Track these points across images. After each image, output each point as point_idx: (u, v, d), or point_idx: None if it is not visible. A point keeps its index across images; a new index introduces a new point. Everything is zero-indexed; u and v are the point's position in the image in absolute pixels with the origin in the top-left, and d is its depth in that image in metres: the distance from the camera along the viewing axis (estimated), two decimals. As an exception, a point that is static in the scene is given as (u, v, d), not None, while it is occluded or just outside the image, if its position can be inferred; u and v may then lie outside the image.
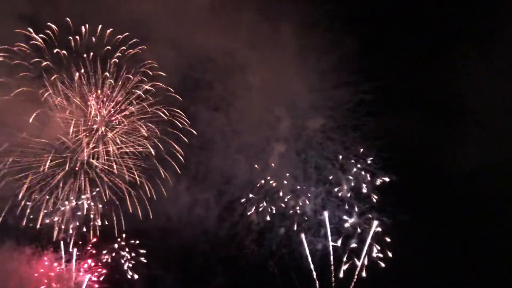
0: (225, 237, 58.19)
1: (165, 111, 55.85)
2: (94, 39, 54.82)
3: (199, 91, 58.99)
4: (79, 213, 55.47)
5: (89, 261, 56.74)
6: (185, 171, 57.24)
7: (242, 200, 57.77)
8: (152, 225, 55.38)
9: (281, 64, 58.54)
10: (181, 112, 56.45)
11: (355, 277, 55.07)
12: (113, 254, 57.25)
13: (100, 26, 54.76)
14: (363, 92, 57.26)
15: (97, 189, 55.19)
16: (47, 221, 54.36)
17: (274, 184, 57.06)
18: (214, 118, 59.47)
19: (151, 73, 55.86)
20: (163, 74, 55.96)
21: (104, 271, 57.03)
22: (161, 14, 57.40)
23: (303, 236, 55.96)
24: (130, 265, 57.18)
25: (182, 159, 55.66)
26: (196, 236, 57.98)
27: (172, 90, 56.00)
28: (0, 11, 53.71)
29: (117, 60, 55.44)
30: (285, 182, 56.99)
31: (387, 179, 55.61)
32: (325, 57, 57.41)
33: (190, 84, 58.58)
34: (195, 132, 56.54)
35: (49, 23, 53.93)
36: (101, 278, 56.91)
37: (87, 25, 54.61)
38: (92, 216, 55.72)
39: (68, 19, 54.38)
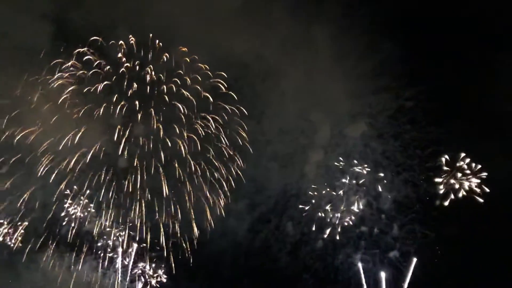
0: (258, 248, 56.03)
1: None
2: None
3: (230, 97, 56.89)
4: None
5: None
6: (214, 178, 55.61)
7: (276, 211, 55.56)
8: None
9: (317, 69, 56.29)
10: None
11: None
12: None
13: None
14: (404, 98, 54.63)
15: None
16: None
17: (310, 194, 54.58)
18: (247, 126, 57.38)
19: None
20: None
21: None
22: (191, 21, 55.88)
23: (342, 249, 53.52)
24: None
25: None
26: (228, 247, 56.03)
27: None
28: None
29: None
30: (323, 192, 54.44)
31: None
32: (363, 61, 55.03)
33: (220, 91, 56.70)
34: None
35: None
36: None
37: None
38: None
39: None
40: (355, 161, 54.15)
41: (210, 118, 55.33)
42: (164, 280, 56.69)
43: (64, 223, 53.94)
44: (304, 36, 56.85)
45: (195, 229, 54.86)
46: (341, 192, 54.19)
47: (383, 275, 52.56)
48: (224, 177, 55.00)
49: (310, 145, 55.66)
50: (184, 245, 55.00)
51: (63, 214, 54.13)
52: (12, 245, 54.50)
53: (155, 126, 53.80)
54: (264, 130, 57.10)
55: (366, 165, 54.03)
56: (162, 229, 54.52)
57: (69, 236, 53.63)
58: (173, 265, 55.48)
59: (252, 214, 56.35)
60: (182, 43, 55.11)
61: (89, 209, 54.74)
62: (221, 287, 57.50)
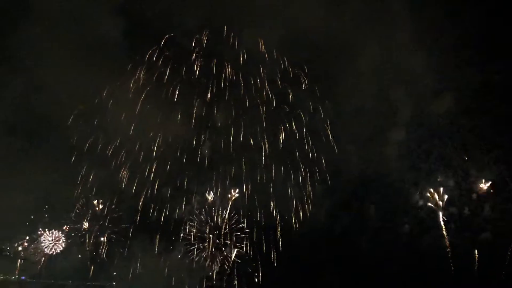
0: (339, 234, 53.91)
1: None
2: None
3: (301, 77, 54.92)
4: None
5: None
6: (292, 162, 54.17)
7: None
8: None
9: (396, 44, 53.30)
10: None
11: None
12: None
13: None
14: (490, 72, 50.67)
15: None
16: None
17: (392, 177, 51.81)
18: (320, 105, 55.19)
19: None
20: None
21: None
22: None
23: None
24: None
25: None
26: (307, 233, 54.33)
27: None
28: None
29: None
30: (407, 174, 51.60)
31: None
32: (445, 34, 51.64)
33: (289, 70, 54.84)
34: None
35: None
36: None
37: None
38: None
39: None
40: (440, 140, 50.89)
41: (286, 107, 54.12)
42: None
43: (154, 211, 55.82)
44: (380, 10, 54.08)
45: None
46: (425, 173, 51.29)
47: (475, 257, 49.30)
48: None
49: (391, 125, 52.68)
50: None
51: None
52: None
53: (233, 114, 53.58)
54: (340, 111, 54.64)
55: (452, 144, 50.70)
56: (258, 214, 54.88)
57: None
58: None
59: (332, 199, 54.18)
60: (253, 28, 54.31)
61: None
62: (304, 271, 55.76)
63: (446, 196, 50.30)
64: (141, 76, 54.13)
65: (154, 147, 54.64)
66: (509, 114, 49.42)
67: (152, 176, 55.23)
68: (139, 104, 53.49)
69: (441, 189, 50.24)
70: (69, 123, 54.19)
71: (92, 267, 62.30)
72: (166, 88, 54.24)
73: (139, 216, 56.44)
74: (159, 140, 54.82)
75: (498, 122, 49.75)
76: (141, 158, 54.81)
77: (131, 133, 53.70)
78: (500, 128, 49.62)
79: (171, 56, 54.99)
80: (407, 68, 52.22)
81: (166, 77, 54.61)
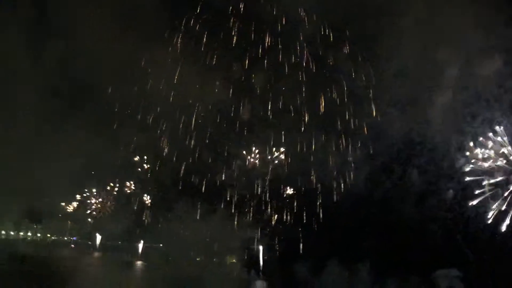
0: (381, 199, 53.26)
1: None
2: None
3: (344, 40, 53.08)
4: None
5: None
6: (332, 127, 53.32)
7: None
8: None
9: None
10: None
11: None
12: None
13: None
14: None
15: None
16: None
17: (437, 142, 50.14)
18: (362, 69, 53.45)
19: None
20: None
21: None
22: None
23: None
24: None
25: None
26: (348, 199, 54.06)
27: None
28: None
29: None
30: (451, 139, 49.83)
31: None
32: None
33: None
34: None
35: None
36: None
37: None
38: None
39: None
40: (488, 103, 48.57)
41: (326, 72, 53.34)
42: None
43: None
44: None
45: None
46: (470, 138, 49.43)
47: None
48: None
49: (435, 87, 50.34)
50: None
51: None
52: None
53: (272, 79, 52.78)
54: (382, 73, 52.69)
55: (500, 107, 48.34)
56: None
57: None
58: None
59: (373, 164, 53.28)
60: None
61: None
62: (340, 236, 55.83)
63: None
64: (178, 42, 53.75)
65: (194, 114, 55.04)
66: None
67: (192, 142, 55.97)
68: (178, 71, 53.47)
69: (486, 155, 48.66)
70: (109, 91, 54.97)
71: (138, 229, 64.59)
72: (204, 54, 53.83)
73: (181, 181, 57.80)
74: (198, 106, 55.15)
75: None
76: (181, 124, 55.46)
77: (171, 99, 54.02)
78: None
79: (208, 21, 54.15)
80: (452, 26, 49.21)
81: (204, 43, 54.12)
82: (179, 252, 59.31)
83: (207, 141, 55.61)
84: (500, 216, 48.83)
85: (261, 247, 58.06)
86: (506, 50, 47.76)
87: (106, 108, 56.61)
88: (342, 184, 55.21)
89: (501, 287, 48.05)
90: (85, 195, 72.26)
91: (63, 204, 72.30)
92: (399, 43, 51.32)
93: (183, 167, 56.74)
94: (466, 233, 50.39)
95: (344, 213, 55.23)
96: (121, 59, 53.69)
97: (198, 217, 56.87)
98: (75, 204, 73.25)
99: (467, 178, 49.91)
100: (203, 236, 57.42)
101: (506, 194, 48.55)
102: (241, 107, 54.68)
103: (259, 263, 58.47)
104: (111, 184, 71.03)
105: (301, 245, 56.08)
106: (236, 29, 53.75)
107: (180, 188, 58.34)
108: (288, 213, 57.27)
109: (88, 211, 72.43)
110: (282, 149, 57.68)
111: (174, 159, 56.48)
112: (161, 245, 65.36)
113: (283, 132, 55.00)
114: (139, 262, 67.59)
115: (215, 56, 53.42)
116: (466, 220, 50.27)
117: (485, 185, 49.30)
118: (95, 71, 53.52)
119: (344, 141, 54.46)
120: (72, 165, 58.34)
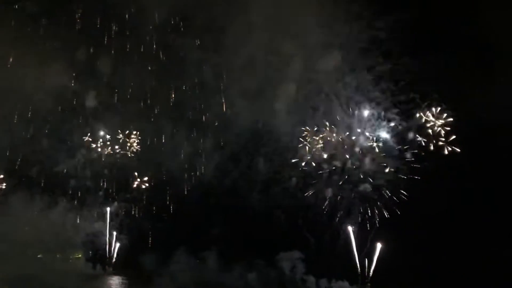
0: (229, 187, 54.48)
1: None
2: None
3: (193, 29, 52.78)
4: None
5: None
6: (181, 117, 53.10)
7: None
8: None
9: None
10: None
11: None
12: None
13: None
14: (376, 29, 51.38)
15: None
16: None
17: (282, 132, 52.51)
18: (210, 60, 53.69)
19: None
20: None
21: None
22: None
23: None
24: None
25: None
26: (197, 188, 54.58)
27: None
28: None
29: None
30: (295, 129, 52.46)
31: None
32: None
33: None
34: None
35: None
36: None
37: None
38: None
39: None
40: (328, 96, 51.92)
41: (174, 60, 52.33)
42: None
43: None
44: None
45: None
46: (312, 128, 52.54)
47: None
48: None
49: (281, 79, 52.32)
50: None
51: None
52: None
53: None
54: (231, 63, 53.39)
55: (338, 100, 51.95)
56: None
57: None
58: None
59: (222, 154, 54.25)
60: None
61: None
62: (190, 225, 56.16)
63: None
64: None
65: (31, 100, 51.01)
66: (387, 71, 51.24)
67: (31, 129, 52.03)
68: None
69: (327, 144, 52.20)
70: None
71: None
72: (44, 36, 50.01)
73: (17, 173, 53.65)
74: (37, 91, 51.07)
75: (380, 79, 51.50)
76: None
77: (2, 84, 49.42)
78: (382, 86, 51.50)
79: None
80: (297, 21, 51.40)
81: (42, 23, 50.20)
82: (16, 249, 54.73)
83: (47, 130, 52.01)
84: (335, 202, 52.76)
85: (107, 240, 56.03)
86: (344, 47, 51.24)
87: None
88: (193, 175, 55.63)
89: (337, 265, 52.50)
90: None
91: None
92: (246, 35, 52.42)
93: (19, 158, 52.38)
94: (306, 218, 53.50)
95: (194, 203, 55.70)
96: None
97: (37, 211, 53.08)
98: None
99: (308, 168, 52.87)
100: (44, 231, 53.67)
101: (341, 182, 52.39)
102: (86, 94, 51.92)
103: (105, 257, 56.55)
104: None
105: (150, 237, 55.47)
106: (80, 11, 50.60)
107: (16, 180, 53.86)
108: (137, 206, 56.07)
109: None
110: (131, 139, 55.63)
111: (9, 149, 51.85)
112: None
113: (131, 122, 53.38)
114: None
115: (56, 39, 49.77)
116: (307, 206, 53.39)
117: (323, 173, 52.67)
118: None
119: (195, 131, 54.70)
120: None
